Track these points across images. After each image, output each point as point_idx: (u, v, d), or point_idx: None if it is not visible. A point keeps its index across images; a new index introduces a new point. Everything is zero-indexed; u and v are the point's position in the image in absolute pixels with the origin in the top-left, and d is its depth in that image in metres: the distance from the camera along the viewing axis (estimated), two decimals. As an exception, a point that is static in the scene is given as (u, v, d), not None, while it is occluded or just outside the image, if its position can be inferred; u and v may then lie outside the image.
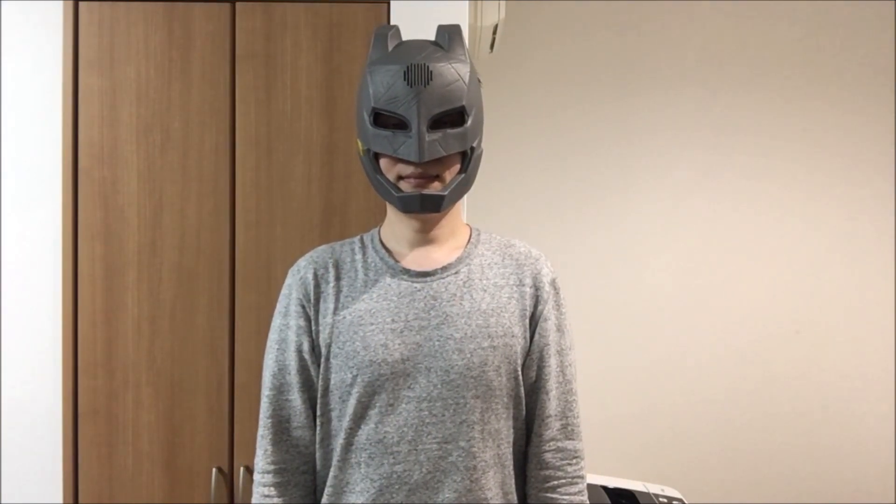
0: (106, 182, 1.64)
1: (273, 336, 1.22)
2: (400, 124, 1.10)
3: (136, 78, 1.64)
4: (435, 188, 1.13)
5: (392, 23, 1.62)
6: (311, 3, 1.64)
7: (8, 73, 1.70)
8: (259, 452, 1.19)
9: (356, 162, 1.63)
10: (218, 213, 1.65)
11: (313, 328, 1.18)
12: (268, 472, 1.17)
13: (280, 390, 1.18)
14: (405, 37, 1.20)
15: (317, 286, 1.19)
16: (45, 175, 1.69)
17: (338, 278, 1.20)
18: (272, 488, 1.16)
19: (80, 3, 1.64)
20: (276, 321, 1.22)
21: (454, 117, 1.12)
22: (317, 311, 1.18)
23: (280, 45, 1.64)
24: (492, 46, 2.17)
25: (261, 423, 1.19)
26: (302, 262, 1.23)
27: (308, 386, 1.18)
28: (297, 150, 1.65)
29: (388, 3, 1.64)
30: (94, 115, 1.64)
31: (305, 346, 1.18)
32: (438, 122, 1.10)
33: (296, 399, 1.18)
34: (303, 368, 1.18)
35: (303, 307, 1.19)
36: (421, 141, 1.08)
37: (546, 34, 2.59)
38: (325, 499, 1.17)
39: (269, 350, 1.21)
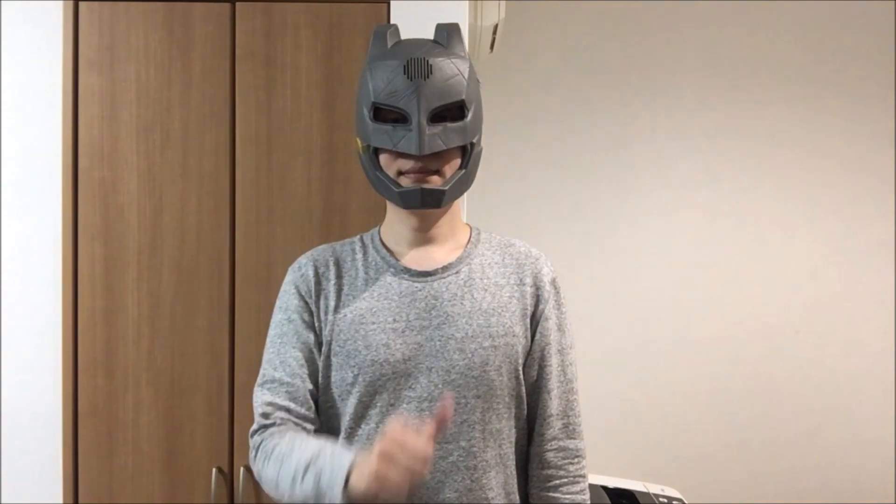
0: (106, 182, 1.64)
1: (274, 331, 1.20)
2: (400, 118, 1.11)
3: (136, 78, 1.64)
4: (435, 183, 1.12)
5: (392, 22, 1.62)
6: (311, 3, 1.64)
7: (8, 73, 1.70)
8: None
9: (356, 162, 1.63)
10: (218, 213, 1.65)
11: (316, 324, 1.18)
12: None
13: (282, 382, 1.16)
14: (405, 37, 1.20)
15: (318, 283, 1.19)
16: (45, 175, 1.68)
17: (339, 276, 1.19)
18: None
19: (80, 3, 1.64)
20: (277, 316, 1.21)
21: (454, 112, 1.12)
22: (318, 307, 1.18)
23: (280, 45, 1.64)
24: (492, 46, 2.17)
25: (257, 411, 1.17)
26: (302, 259, 1.23)
27: (314, 378, 1.17)
28: (297, 150, 1.65)
29: (388, 3, 1.64)
30: (94, 115, 1.64)
31: (311, 339, 1.17)
32: (438, 116, 1.10)
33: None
34: (309, 361, 1.17)
35: (305, 302, 1.18)
36: (421, 134, 1.08)
37: (546, 34, 2.60)
38: (324, 498, 1.17)
39: (272, 344, 1.19)
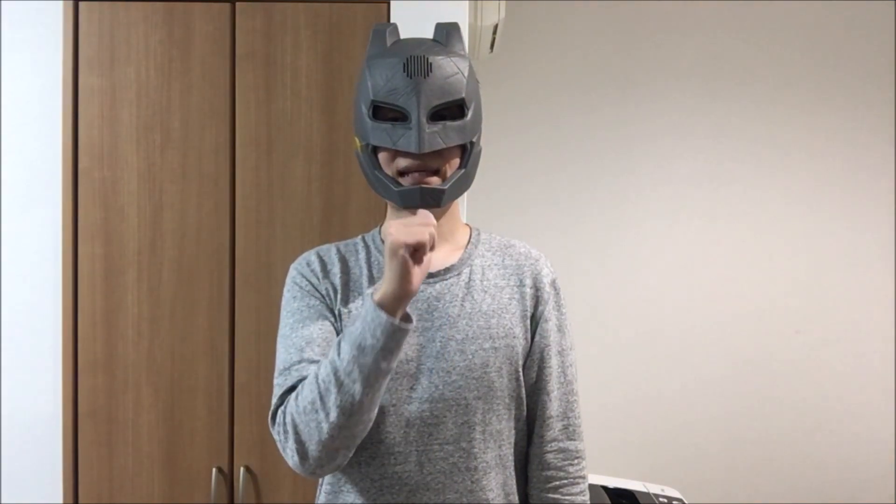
0: (106, 182, 1.64)
1: (289, 320, 1.15)
2: (399, 117, 1.10)
3: (136, 78, 1.64)
4: (434, 182, 1.11)
5: (392, 22, 1.62)
6: (311, 3, 1.64)
7: (8, 73, 1.70)
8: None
9: (356, 162, 1.63)
10: (218, 213, 1.65)
11: (329, 306, 1.16)
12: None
13: (311, 361, 1.09)
14: (405, 36, 1.20)
15: (325, 275, 1.17)
16: (45, 175, 1.69)
17: (344, 272, 1.18)
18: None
19: (80, 3, 1.64)
20: (291, 306, 1.16)
21: (454, 110, 1.11)
22: (327, 297, 1.16)
23: (280, 45, 1.64)
24: (492, 46, 2.17)
25: (280, 392, 1.09)
26: (307, 254, 1.22)
27: None
28: (297, 150, 1.65)
29: (388, 3, 1.64)
30: (94, 115, 1.64)
31: (332, 318, 1.14)
32: (438, 115, 1.10)
33: None
34: (334, 337, 1.12)
35: (315, 288, 1.16)
36: (421, 132, 1.07)
37: (546, 34, 2.59)
38: (322, 497, 1.17)
39: (292, 330, 1.13)
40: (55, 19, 1.66)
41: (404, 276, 0.98)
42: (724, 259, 2.61)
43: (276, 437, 1.08)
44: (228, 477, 1.64)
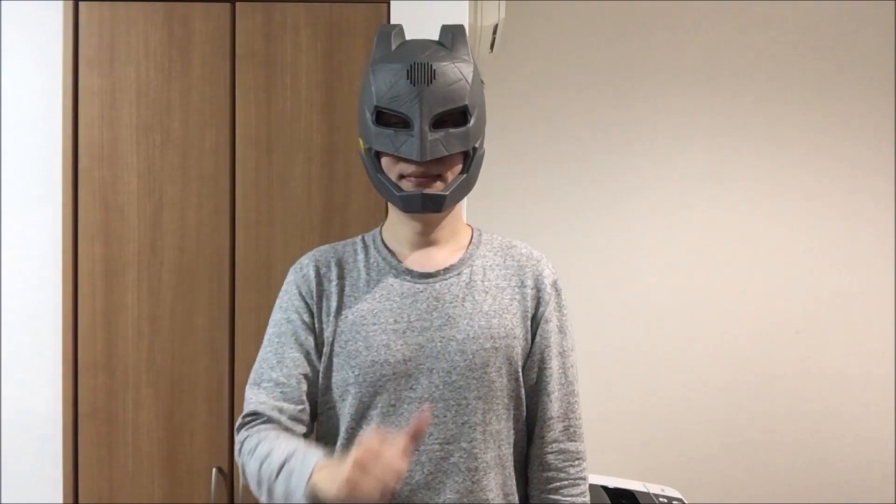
0: (106, 182, 1.64)
1: (273, 330, 1.19)
2: (402, 123, 1.10)
3: (136, 78, 1.64)
4: (436, 188, 1.12)
5: (392, 23, 1.62)
6: (311, 3, 1.64)
7: (8, 73, 1.70)
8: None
9: (356, 162, 1.63)
10: (218, 213, 1.65)
11: (316, 325, 1.18)
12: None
13: (277, 382, 1.15)
14: (407, 38, 1.19)
15: (319, 283, 1.19)
16: (45, 175, 1.68)
17: (340, 277, 1.19)
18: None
19: (80, 3, 1.64)
20: (277, 315, 1.20)
21: (456, 117, 1.12)
22: (319, 309, 1.18)
23: (280, 45, 1.64)
24: (492, 46, 2.17)
25: (248, 407, 1.15)
26: (304, 259, 1.23)
27: (309, 380, 1.17)
28: (297, 150, 1.65)
29: (388, 3, 1.64)
30: (94, 115, 1.64)
31: (310, 341, 1.17)
32: (441, 122, 1.10)
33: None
34: (306, 362, 1.16)
35: (306, 302, 1.18)
36: (423, 140, 1.08)
37: (546, 34, 2.59)
38: (323, 498, 1.17)
39: (269, 343, 1.18)
40: (55, 19, 1.65)
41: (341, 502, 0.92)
42: (724, 258, 2.61)
43: (235, 450, 1.15)
44: (228, 477, 1.64)
